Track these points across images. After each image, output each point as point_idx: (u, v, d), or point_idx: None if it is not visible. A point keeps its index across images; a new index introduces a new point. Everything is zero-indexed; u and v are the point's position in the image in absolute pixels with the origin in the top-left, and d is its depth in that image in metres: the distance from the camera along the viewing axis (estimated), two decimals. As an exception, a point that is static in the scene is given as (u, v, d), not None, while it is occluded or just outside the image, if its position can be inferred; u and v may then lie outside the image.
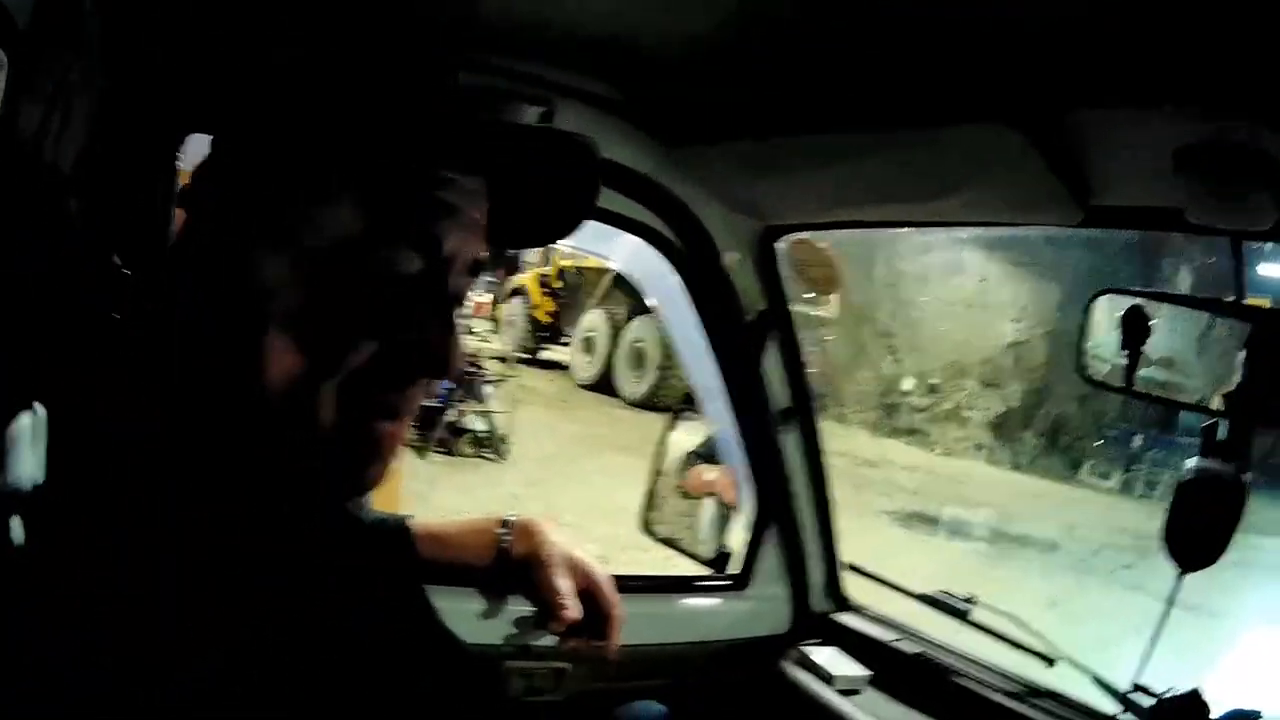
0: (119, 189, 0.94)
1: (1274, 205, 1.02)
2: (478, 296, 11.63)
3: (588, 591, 1.21)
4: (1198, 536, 1.20)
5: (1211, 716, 1.29)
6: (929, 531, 9.78)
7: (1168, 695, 1.36)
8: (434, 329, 0.67)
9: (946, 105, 1.03)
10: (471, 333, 10.39)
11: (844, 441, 13.80)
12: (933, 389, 19.45)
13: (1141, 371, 1.21)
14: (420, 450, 8.25)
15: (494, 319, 13.75)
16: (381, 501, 1.02)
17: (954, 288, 18.18)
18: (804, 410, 1.73)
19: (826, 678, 1.65)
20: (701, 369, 1.68)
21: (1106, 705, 1.40)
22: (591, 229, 1.35)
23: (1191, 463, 1.21)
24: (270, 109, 0.67)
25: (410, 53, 0.72)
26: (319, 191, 0.65)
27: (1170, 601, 1.24)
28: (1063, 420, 20.21)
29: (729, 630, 1.75)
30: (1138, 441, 19.40)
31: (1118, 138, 1.04)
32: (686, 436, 1.84)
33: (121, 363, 0.71)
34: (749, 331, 1.63)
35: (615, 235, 1.51)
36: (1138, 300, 1.25)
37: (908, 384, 19.63)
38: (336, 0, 0.72)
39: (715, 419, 1.75)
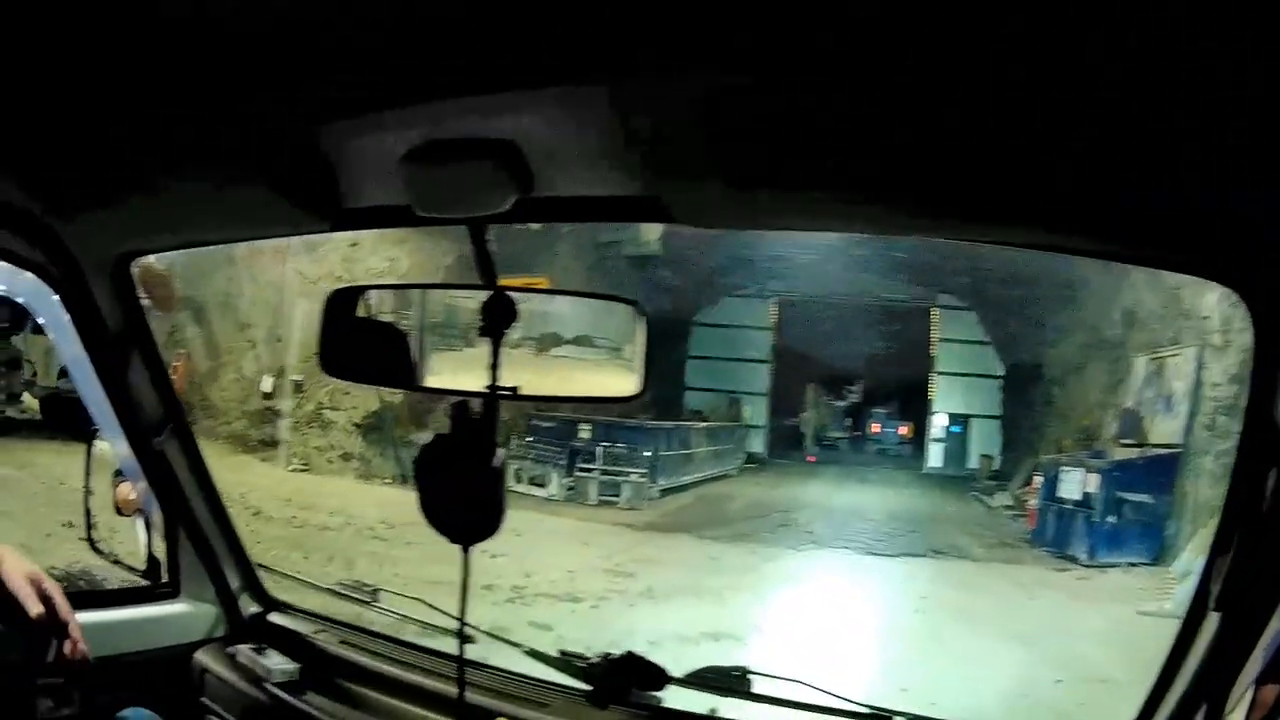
0: None
1: (511, 188, 1.56)
2: None
3: (48, 601, 2.02)
4: (468, 511, 1.84)
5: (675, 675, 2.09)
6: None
7: (603, 658, 2.18)
8: None
9: (202, 139, 1.67)
10: None
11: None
12: (297, 387, 21.27)
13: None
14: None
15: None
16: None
17: (317, 259, 20.08)
18: (178, 421, 2.60)
19: (262, 675, 2.47)
20: (93, 390, 2.51)
21: (541, 671, 2.31)
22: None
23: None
24: None
25: None
26: None
27: (465, 574, 1.90)
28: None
29: (172, 637, 2.65)
30: (585, 435, 23.14)
31: (350, 149, 1.65)
32: (108, 456, 2.69)
33: None
34: (116, 351, 2.45)
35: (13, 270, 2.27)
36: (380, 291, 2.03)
37: (268, 384, 21.21)
38: None
39: (117, 437, 2.61)
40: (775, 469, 30.31)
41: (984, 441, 33.44)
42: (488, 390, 1.78)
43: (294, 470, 20.77)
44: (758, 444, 35.09)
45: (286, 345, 21.97)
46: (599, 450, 22.81)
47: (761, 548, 17.71)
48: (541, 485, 22.23)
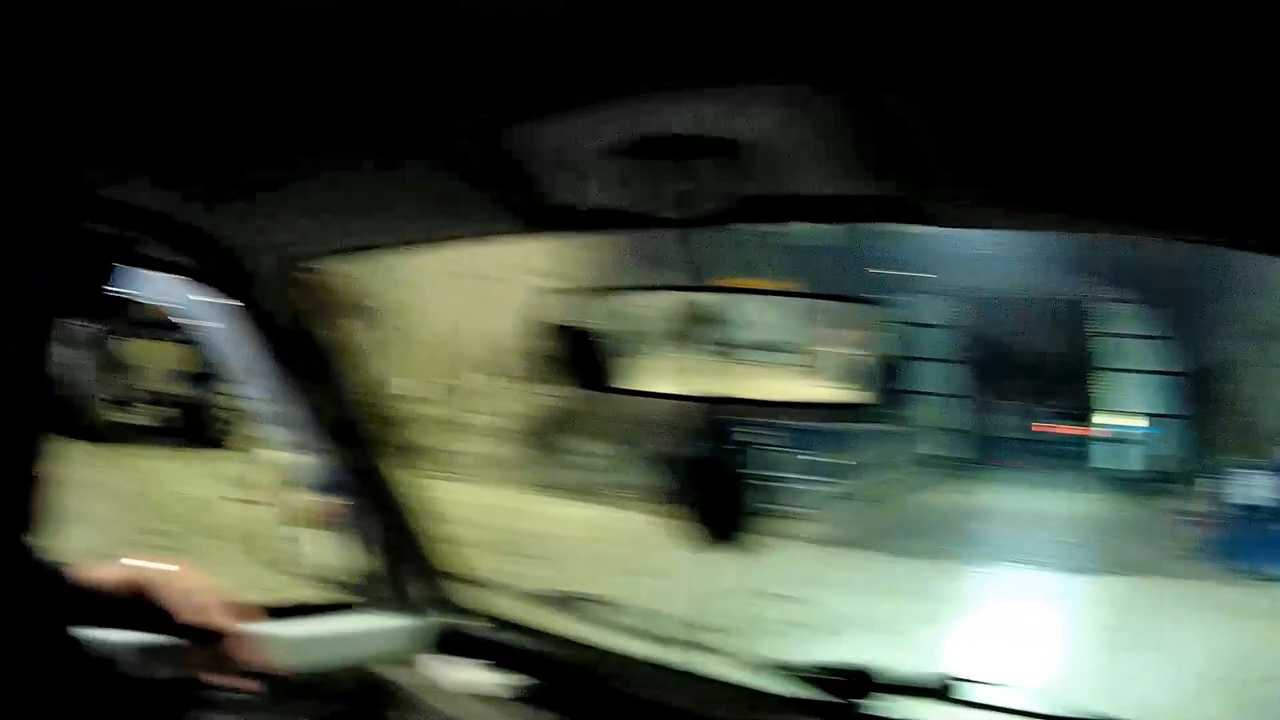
0: None
1: (735, 187, 1.58)
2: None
3: (224, 616, 1.97)
4: (721, 512, 1.91)
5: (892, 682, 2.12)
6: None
7: (829, 667, 2.19)
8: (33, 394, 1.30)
9: (385, 137, 1.64)
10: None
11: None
12: (443, 390, 21.55)
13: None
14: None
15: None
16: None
17: (465, 254, 20.35)
18: (375, 427, 2.66)
19: (463, 688, 2.50)
20: (275, 401, 2.55)
21: (762, 683, 2.27)
22: (143, 279, 2.18)
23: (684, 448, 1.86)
24: None
25: None
26: None
27: (727, 573, 2.32)
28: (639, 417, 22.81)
29: (364, 650, 2.63)
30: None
31: (559, 146, 1.62)
32: (288, 466, 2.70)
33: None
34: (295, 360, 2.48)
35: (166, 279, 2.30)
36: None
37: (410, 386, 21.54)
38: None
39: (305, 447, 2.62)
40: (957, 472, 29.59)
41: (1165, 443, 32.55)
42: (699, 397, 1.80)
43: (425, 477, 20.79)
44: (940, 446, 34.66)
45: (434, 346, 22.21)
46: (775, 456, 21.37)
47: (937, 564, 16.38)
48: (704, 494, 21.53)
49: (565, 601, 2.76)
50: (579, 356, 1.95)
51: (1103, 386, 35.10)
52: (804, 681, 2.26)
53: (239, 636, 2.01)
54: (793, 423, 21.69)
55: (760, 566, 13.89)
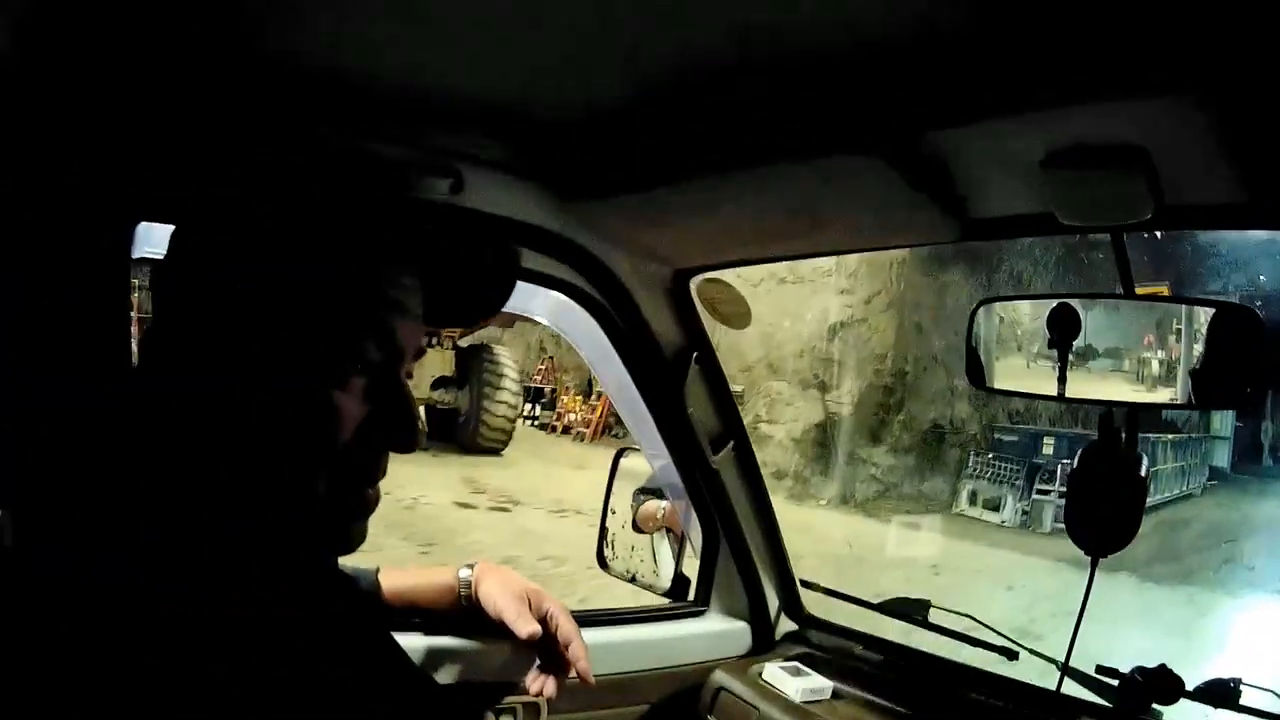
0: (70, 276, 1.42)
1: (1150, 195, 1.53)
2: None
3: (546, 620, 2.01)
4: (1104, 521, 1.95)
5: (1187, 688, 2.06)
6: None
7: (1133, 672, 2.17)
8: (397, 407, 1.20)
9: (811, 140, 1.59)
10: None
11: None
12: (753, 399, 21.51)
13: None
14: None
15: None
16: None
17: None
18: (736, 436, 2.69)
19: (790, 693, 2.49)
20: (632, 409, 2.60)
21: (1073, 690, 2.24)
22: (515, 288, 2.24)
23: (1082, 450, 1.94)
24: (238, 208, 1.16)
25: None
26: (290, 290, 1.12)
27: (1089, 586, 2.05)
28: (939, 425, 22.60)
29: (693, 655, 2.68)
30: (1047, 451, 21.40)
31: (982, 153, 1.61)
32: (633, 473, 2.78)
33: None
34: (671, 369, 2.52)
35: (536, 291, 2.36)
36: (1027, 302, 2.00)
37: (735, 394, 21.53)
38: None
39: (657, 454, 2.68)
40: (1236, 486, 27.83)
41: None
42: (1114, 401, 1.91)
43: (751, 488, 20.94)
44: (1221, 457, 32.94)
45: (721, 356, 22.22)
46: (1060, 469, 20.33)
47: (1200, 594, 15.22)
48: (995, 509, 20.58)
49: (885, 608, 2.78)
50: (1013, 362, 2.07)
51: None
52: (1104, 687, 2.27)
53: (552, 642, 2.06)
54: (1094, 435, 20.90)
55: (1018, 593, 13.50)
